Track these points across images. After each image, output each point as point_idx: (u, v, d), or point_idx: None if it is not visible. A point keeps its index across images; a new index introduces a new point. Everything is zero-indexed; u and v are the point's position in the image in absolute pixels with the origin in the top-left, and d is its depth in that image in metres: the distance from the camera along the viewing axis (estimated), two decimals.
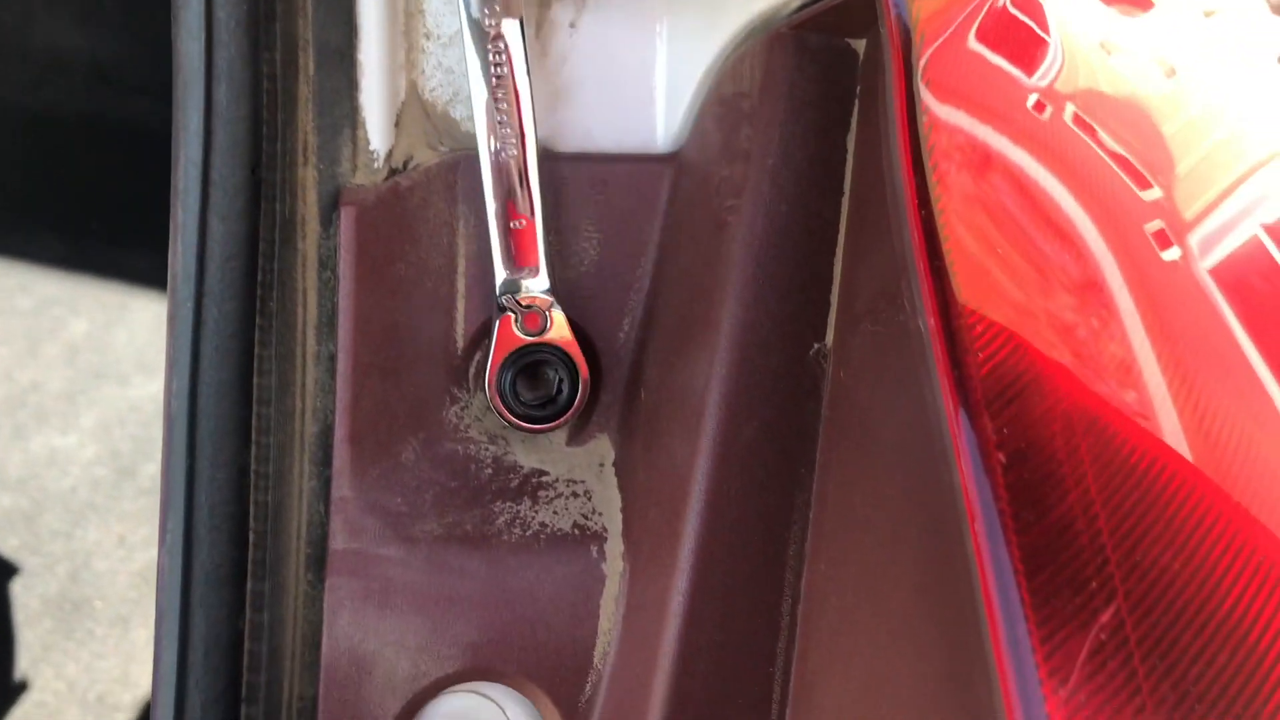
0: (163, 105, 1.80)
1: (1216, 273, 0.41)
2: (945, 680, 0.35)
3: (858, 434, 0.45)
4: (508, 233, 0.50)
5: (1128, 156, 0.45)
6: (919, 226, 0.39)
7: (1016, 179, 0.41)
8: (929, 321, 0.37)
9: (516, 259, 0.50)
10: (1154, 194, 0.44)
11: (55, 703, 1.36)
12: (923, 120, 0.42)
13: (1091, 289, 0.40)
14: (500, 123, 0.49)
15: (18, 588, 1.45)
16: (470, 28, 0.49)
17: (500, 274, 0.50)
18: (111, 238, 1.78)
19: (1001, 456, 0.34)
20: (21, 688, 1.38)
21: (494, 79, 0.49)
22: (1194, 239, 0.42)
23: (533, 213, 0.50)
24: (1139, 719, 0.31)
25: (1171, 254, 0.41)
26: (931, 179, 0.40)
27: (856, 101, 0.49)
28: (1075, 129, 0.44)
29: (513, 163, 0.50)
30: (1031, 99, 0.45)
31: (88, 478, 1.55)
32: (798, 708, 0.46)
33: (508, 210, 0.50)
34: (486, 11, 0.49)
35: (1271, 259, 0.43)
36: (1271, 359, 0.38)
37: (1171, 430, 0.37)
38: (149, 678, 1.44)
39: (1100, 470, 0.35)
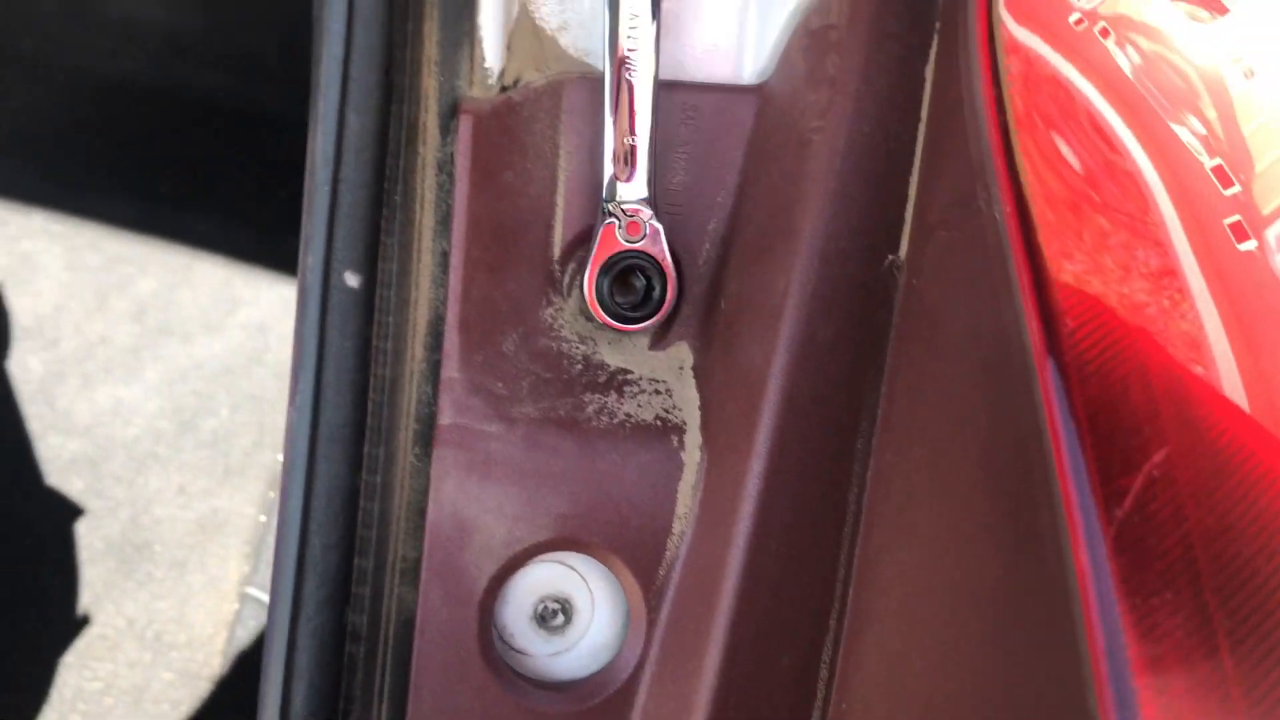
0: (233, 79, 1.86)
1: None
2: (1009, 521, 0.39)
3: (928, 333, 0.49)
4: (619, 147, 0.54)
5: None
6: (997, 130, 0.43)
7: (1076, 99, 0.45)
8: (1005, 209, 0.41)
9: (624, 172, 0.55)
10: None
11: (115, 637, 1.41)
12: (1001, 41, 0.46)
13: (1144, 233, 0.44)
14: (632, 52, 0.54)
15: (82, 528, 1.51)
16: None
17: (608, 184, 0.55)
18: (180, 202, 1.84)
19: (1069, 322, 0.38)
20: (84, 622, 1.44)
21: (629, 17, 0.54)
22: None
23: (643, 132, 0.55)
24: (1184, 542, 0.34)
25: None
26: (1008, 92, 0.45)
27: (935, 35, 0.53)
28: (1103, 41, 0.48)
29: (633, 86, 0.54)
30: (1075, 18, 0.49)
31: (150, 429, 1.61)
32: (862, 580, 0.50)
33: (623, 127, 0.54)
34: None
35: None
36: None
37: (1223, 353, 0.41)
38: (204, 620, 1.49)
39: (1156, 348, 0.39)
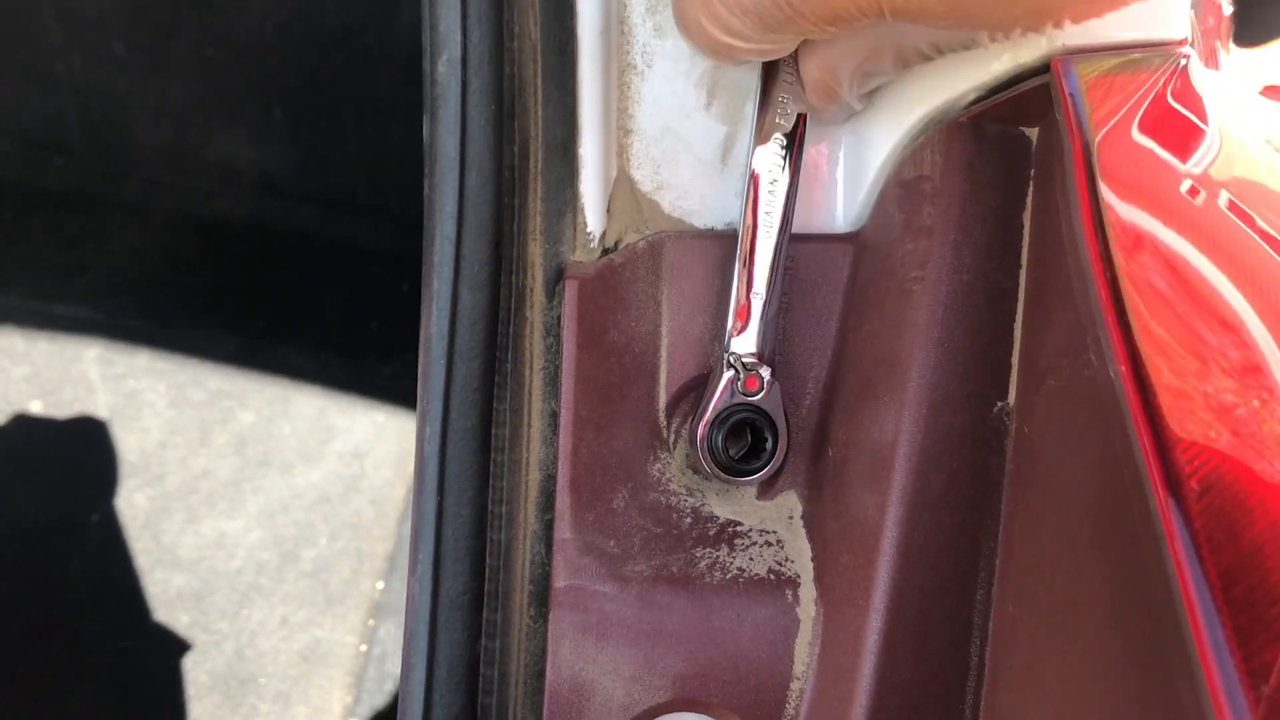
0: (324, 214, 1.94)
1: None
2: (1145, 696, 0.39)
3: (1043, 483, 0.49)
4: (742, 304, 0.55)
5: None
6: (1105, 286, 0.43)
7: (1176, 259, 0.45)
8: (1120, 369, 0.41)
9: (742, 326, 0.56)
10: None
11: None
12: (1102, 198, 0.46)
13: (1256, 362, 0.44)
14: (768, 214, 0.55)
15: (188, 663, 1.54)
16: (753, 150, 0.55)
17: (729, 337, 0.55)
18: (277, 336, 1.89)
19: (1194, 485, 0.38)
20: None
21: (768, 182, 0.56)
22: None
23: (762, 289, 0.56)
24: None
25: None
26: (1114, 246, 0.45)
27: (1031, 184, 0.54)
28: (1231, 216, 0.48)
29: (765, 246, 0.55)
30: (1187, 185, 0.49)
31: (253, 560, 1.64)
32: None
33: (748, 285, 0.55)
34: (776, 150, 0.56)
35: None
36: None
37: None
38: None
39: None
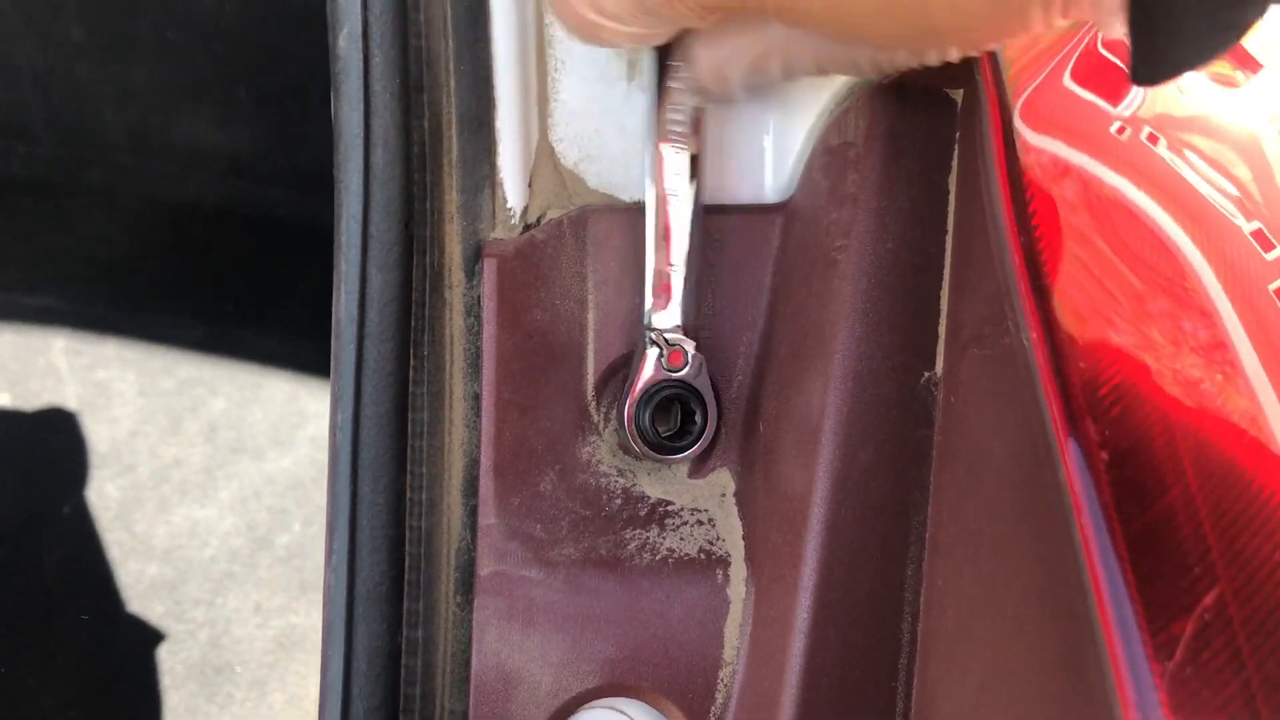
0: (293, 195, 1.91)
1: None
2: (1059, 670, 0.37)
3: (969, 454, 0.48)
4: (661, 278, 0.54)
5: (1226, 186, 0.47)
6: (1019, 251, 0.42)
7: (1109, 202, 0.44)
8: (1032, 336, 0.40)
9: (663, 301, 0.54)
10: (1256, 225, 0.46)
11: None
12: (1019, 156, 0.45)
13: (1188, 303, 0.43)
14: (674, 187, 0.54)
15: (163, 653, 1.53)
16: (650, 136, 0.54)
17: (649, 314, 0.54)
18: (246, 320, 1.87)
19: (1104, 455, 0.37)
20: None
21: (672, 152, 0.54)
22: None
23: (679, 261, 0.54)
24: (1245, 693, 0.32)
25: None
26: (1028, 209, 0.43)
27: (956, 146, 0.52)
28: (1154, 148, 0.47)
29: (673, 217, 0.54)
30: (1116, 126, 0.48)
31: (226, 548, 1.63)
32: (920, 714, 0.48)
33: (665, 258, 0.54)
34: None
35: None
36: None
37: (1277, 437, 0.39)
38: None
39: (1200, 469, 0.37)
